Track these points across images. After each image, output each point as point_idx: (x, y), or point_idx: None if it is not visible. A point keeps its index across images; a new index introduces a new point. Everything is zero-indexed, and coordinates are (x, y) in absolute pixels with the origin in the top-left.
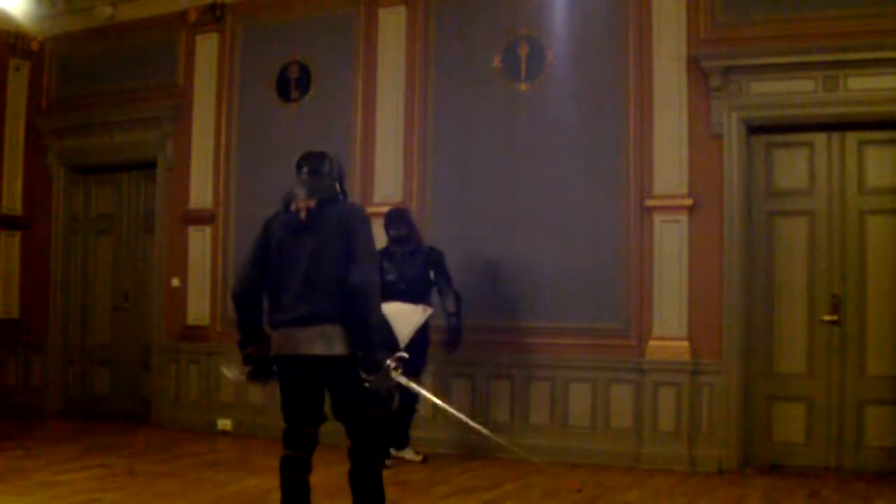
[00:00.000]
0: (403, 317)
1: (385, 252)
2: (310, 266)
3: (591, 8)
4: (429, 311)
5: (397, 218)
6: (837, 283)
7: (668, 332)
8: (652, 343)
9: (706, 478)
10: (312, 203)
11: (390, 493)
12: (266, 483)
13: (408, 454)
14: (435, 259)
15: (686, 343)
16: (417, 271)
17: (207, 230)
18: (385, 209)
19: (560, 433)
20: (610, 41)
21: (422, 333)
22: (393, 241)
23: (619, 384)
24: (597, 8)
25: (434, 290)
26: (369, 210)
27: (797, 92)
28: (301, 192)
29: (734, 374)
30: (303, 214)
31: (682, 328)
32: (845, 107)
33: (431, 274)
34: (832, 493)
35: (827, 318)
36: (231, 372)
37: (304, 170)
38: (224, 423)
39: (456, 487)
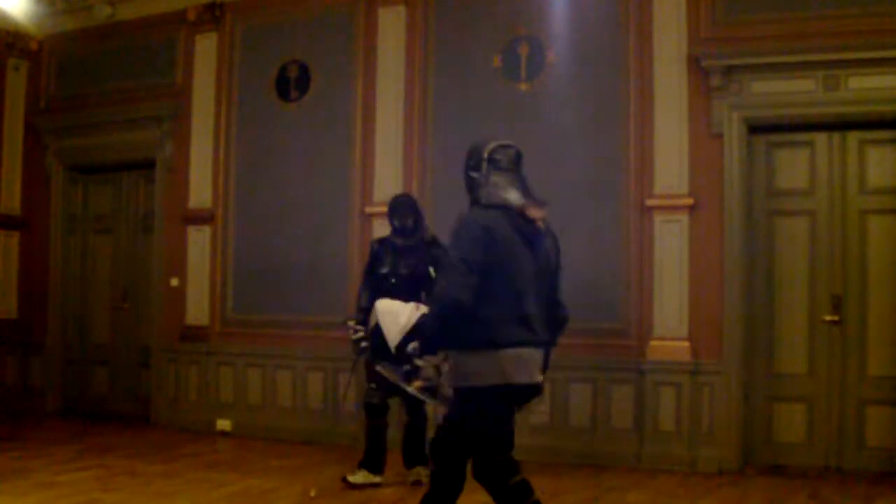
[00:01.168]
0: (391, 314)
1: (385, 242)
2: (538, 283)
3: (591, 7)
4: (423, 309)
5: (405, 206)
6: (838, 283)
7: (669, 332)
8: (652, 343)
9: (707, 478)
10: (546, 214)
11: (389, 493)
12: (265, 483)
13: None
14: (436, 254)
15: (686, 343)
16: (415, 266)
17: (207, 230)
18: (383, 209)
19: (560, 433)
20: (610, 40)
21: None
22: (397, 231)
23: (619, 384)
24: (597, 7)
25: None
26: (368, 210)
27: (798, 91)
28: (521, 196)
29: (735, 375)
30: (542, 226)
31: (683, 328)
32: (846, 106)
33: (432, 270)
34: (833, 494)
35: (828, 318)
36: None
37: (504, 163)
38: (223, 424)
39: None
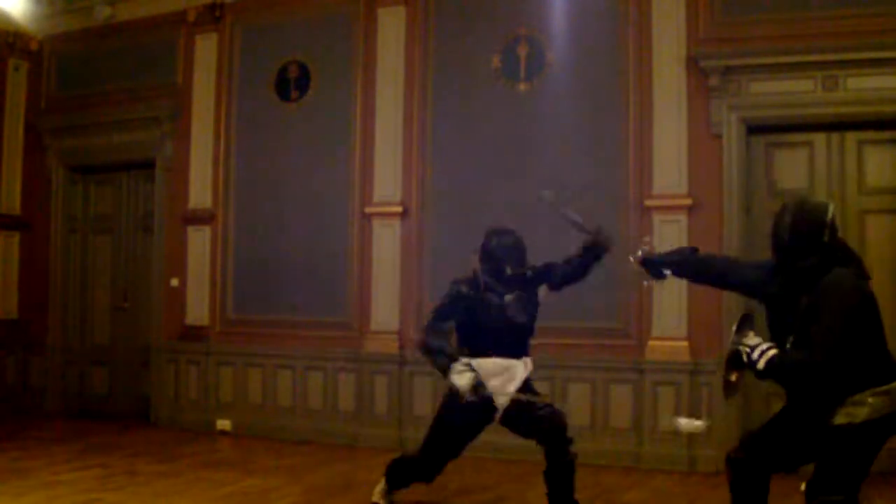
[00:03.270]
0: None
1: (477, 287)
2: None
3: (590, 8)
4: (530, 367)
5: (519, 249)
6: None
7: (668, 331)
8: (651, 343)
9: (705, 478)
10: None
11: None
12: (265, 483)
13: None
14: (539, 273)
15: (685, 343)
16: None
17: (207, 230)
18: (383, 209)
19: None
20: (609, 41)
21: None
22: (505, 279)
23: (618, 384)
24: (596, 8)
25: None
26: (368, 209)
27: (797, 92)
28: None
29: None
30: None
31: (682, 328)
32: (845, 107)
33: (542, 294)
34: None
35: None
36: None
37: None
38: (223, 424)
39: (456, 488)
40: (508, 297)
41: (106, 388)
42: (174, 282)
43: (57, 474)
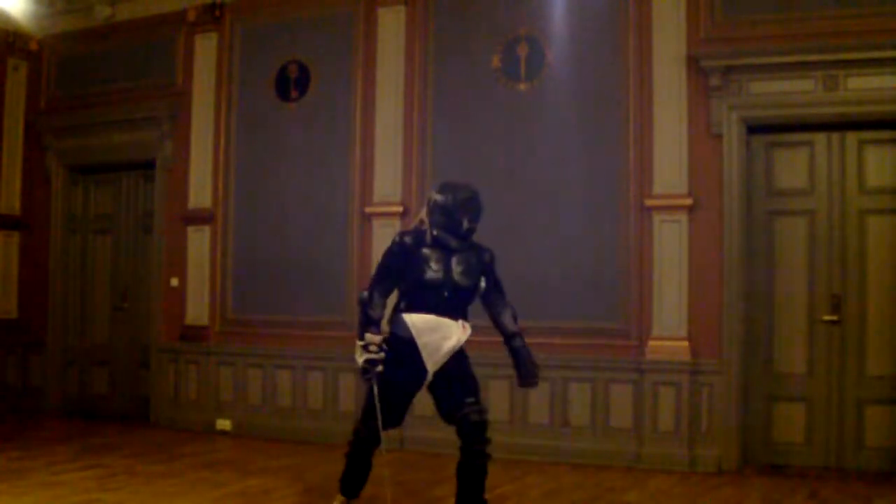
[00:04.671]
0: (441, 333)
1: (423, 241)
2: None
3: (590, 8)
4: (468, 330)
5: (479, 203)
6: (837, 282)
7: (668, 331)
8: (651, 343)
9: (705, 478)
10: None
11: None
12: (265, 483)
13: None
14: (489, 261)
15: (686, 343)
16: (474, 276)
17: (206, 230)
18: (383, 209)
19: (559, 433)
20: (609, 41)
21: (461, 357)
22: (461, 232)
23: (618, 384)
24: (596, 7)
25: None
26: (368, 209)
27: (797, 91)
28: None
29: (734, 374)
30: None
31: (682, 328)
32: (845, 106)
33: (483, 282)
34: (832, 494)
35: (827, 317)
36: None
37: None
38: (223, 424)
39: (453, 488)
40: (456, 258)
41: (105, 388)
42: (174, 282)
43: (56, 474)
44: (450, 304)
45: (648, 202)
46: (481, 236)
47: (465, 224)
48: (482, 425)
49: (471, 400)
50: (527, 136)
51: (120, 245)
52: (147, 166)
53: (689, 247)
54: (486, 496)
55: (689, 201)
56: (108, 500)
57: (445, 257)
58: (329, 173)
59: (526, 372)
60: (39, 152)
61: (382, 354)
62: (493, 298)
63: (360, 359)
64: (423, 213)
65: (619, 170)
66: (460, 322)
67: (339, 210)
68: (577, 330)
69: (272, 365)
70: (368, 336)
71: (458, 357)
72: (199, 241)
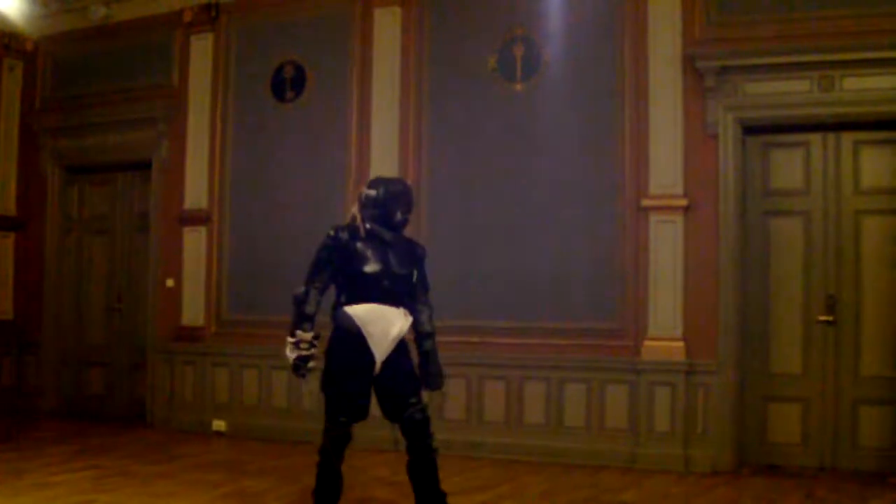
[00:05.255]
0: (384, 322)
1: (357, 234)
2: None
3: (586, 8)
4: (409, 318)
5: (410, 195)
6: (833, 283)
7: (664, 332)
8: (647, 343)
9: (701, 478)
10: None
11: (384, 493)
12: (260, 484)
13: None
14: (421, 257)
15: (681, 343)
16: (409, 266)
17: (202, 230)
18: None
19: (555, 434)
20: (605, 41)
21: (404, 354)
22: (394, 224)
23: (614, 384)
24: (592, 8)
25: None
26: None
27: (793, 92)
28: None
29: (730, 375)
30: None
31: (678, 328)
32: (841, 107)
33: (415, 273)
34: (828, 494)
35: (822, 318)
36: None
37: None
38: (219, 424)
39: (451, 488)
40: (391, 250)
41: (101, 389)
42: (170, 282)
43: (52, 475)
44: (390, 293)
45: (644, 202)
46: (478, 235)
47: (399, 216)
48: (426, 423)
49: (413, 400)
50: (523, 137)
51: (115, 246)
52: (143, 167)
53: (684, 247)
54: (484, 496)
55: (684, 202)
56: (103, 500)
57: (381, 249)
58: (324, 174)
59: (432, 375)
60: (35, 153)
61: (314, 351)
62: (417, 294)
63: (291, 355)
64: (356, 209)
65: (615, 170)
66: (402, 310)
67: (335, 210)
68: (573, 330)
69: (267, 365)
70: (300, 333)
71: (402, 352)
72: (195, 242)
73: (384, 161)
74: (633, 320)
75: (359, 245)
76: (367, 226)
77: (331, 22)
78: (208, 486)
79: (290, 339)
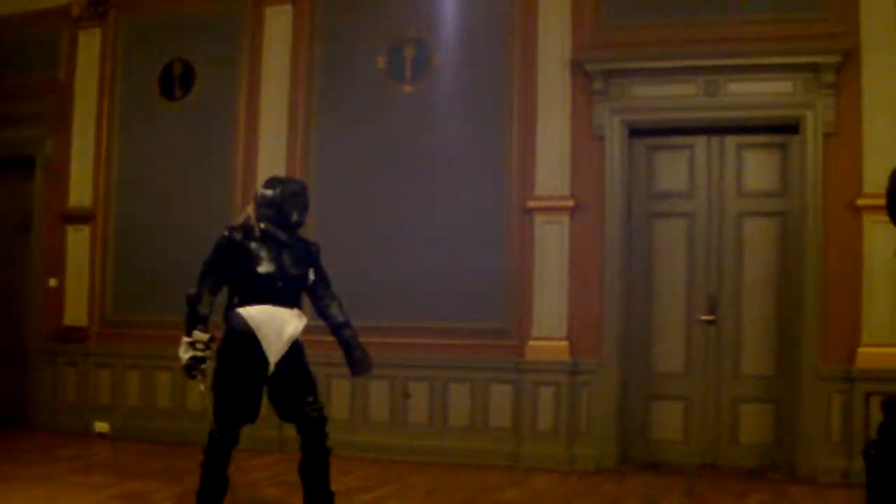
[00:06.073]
0: (276, 324)
1: (252, 235)
2: None
3: (477, 11)
4: (304, 319)
5: (304, 195)
6: (715, 283)
7: (548, 332)
8: (532, 343)
9: (585, 476)
10: None
11: (271, 493)
12: (144, 486)
13: None
14: (314, 254)
15: (565, 343)
16: (303, 267)
17: (87, 229)
18: None
19: (439, 433)
20: (495, 44)
21: (299, 354)
22: (288, 225)
23: (498, 384)
24: (483, 11)
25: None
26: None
27: (678, 96)
28: None
29: (613, 374)
30: None
31: (562, 328)
32: (725, 111)
33: (312, 273)
34: (708, 490)
35: (704, 318)
36: None
37: None
38: (101, 426)
39: (337, 488)
40: (286, 250)
41: None
42: (53, 282)
43: None
44: (283, 293)
45: (530, 203)
46: (366, 236)
47: (295, 216)
48: (322, 422)
49: (310, 399)
50: (412, 138)
51: None
52: (27, 164)
53: (570, 248)
54: (370, 496)
55: (570, 203)
56: None
57: (275, 250)
58: (212, 174)
59: (358, 361)
60: None
61: (209, 352)
62: (320, 291)
63: (185, 355)
64: (250, 209)
65: (503, 171)
66: (295, 310)
67: (221, 210)
68: (458, 330)
69: (151, 366)
70: (196, 334)
71: (297, 352)
72: (78, 241)
73: (272, 161)
74: (517, 320)
75: (253, 245)
76: (262, 226)
77: (221, 20)
78: (91, 489)
79: (185, 339)
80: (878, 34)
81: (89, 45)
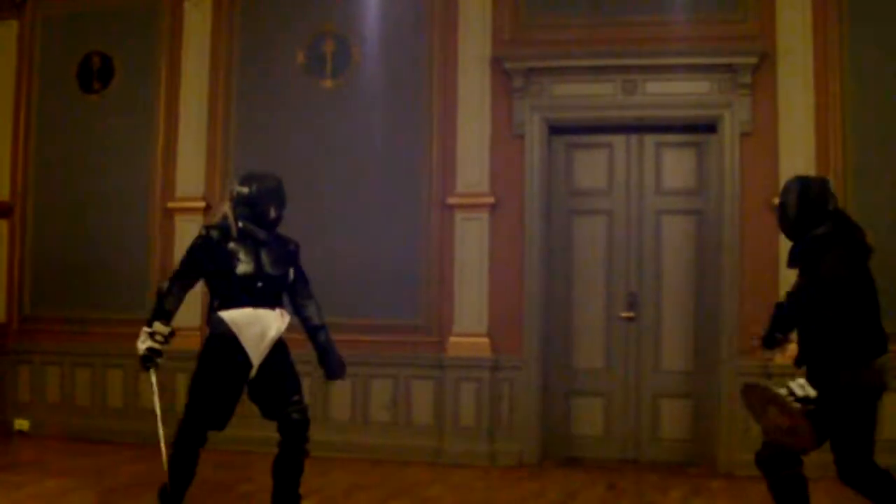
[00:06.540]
0: (260, 326)
1: (229, 234)
2: None
3: (398, 6)
4: (287, 318)
5: (282, 192)
6: (634, 280)
7: (469, 328)
8: (453, 339)
9: (506, 472)
10: None
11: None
12: (64, 484)
13: None
14: (295, 252)
15: (486, 339)
16: (284, 266)
17: (4, 224)
18: (186, 204)
19: (361, 429)
20: (416, 40)
21: (283, 352)
22: (268, 222)
23: (419, 380)
24: (404, 6)
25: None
26: (170, 205)
27: (597, 94)
28: None
29: (534, 370)
30: None
31: (483, 325)
32: (643, 110)
33: (291, 272)
34: (629, 485)
35: (624, 314)
36: None
37: None
38: (21, 424)
39: (259, 486)
40: (265, 249)
41: None
42: None
43: None
44: (264, 294)
45: (450, 200)
46: (286, 231)
47: (272, 213)
48: (305, 423)
49: (296, 398)
50: (331, 133)
51: None
52: None
53: (490, 244)
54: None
55: (490, 200)
56: None
57: (254, 249)
58: (131, 168)
59: (333, 365)
60: None
61: (167, 346)
62: (298, 290)
63: (143, 345)
64: (227, 207)
65: (423, 168)
66: (278, 311)
67: (140, 205)
68: (379, 326)
69: (70, 363)
70: (157, 325)
71: (280, 351)
72: None
73: (192, 155)
74: (438, 317)
75: (231, 245)
76: (240, 224)
77: (139, 13)
78: (10, 487)
79: (146, 329)
80: (794, 36)
81: (4, 37)
